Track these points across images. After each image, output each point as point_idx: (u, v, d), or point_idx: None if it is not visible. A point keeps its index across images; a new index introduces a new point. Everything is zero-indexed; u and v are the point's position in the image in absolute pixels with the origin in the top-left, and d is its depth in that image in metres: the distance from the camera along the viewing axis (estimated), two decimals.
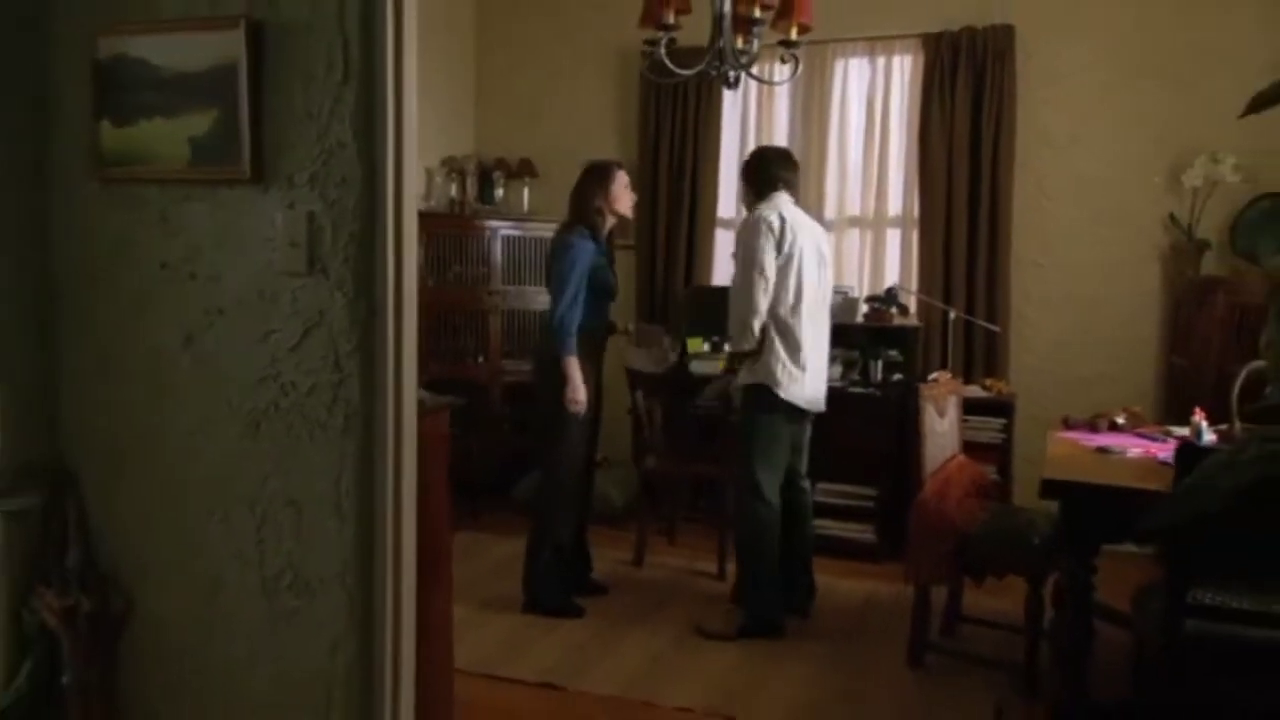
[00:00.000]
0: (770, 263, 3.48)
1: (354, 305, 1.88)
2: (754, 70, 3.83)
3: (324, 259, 1.88)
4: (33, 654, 1.98)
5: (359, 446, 1.91)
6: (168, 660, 2.06)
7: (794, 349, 3.55)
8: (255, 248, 1.94)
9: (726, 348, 3.89)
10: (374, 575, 1.92)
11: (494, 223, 5.46)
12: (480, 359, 5.31)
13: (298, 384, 1.93)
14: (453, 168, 5.56)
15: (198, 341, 2.00)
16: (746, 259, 3.51)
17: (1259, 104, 1.78)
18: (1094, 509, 2.59)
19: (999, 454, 4.58)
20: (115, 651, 2.06)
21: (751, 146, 5.26)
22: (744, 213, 3.89)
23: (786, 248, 3.50)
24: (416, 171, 1.96)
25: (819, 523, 4.23)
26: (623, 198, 3.85)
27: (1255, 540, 2.06)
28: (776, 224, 3.51)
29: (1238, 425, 2.81)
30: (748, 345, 3.55)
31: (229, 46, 1.87)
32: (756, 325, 3.52)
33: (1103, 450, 3.17)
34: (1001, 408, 4.64)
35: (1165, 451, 2.99)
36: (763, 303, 3.50)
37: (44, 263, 2.07)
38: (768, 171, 3.67)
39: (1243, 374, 2.77)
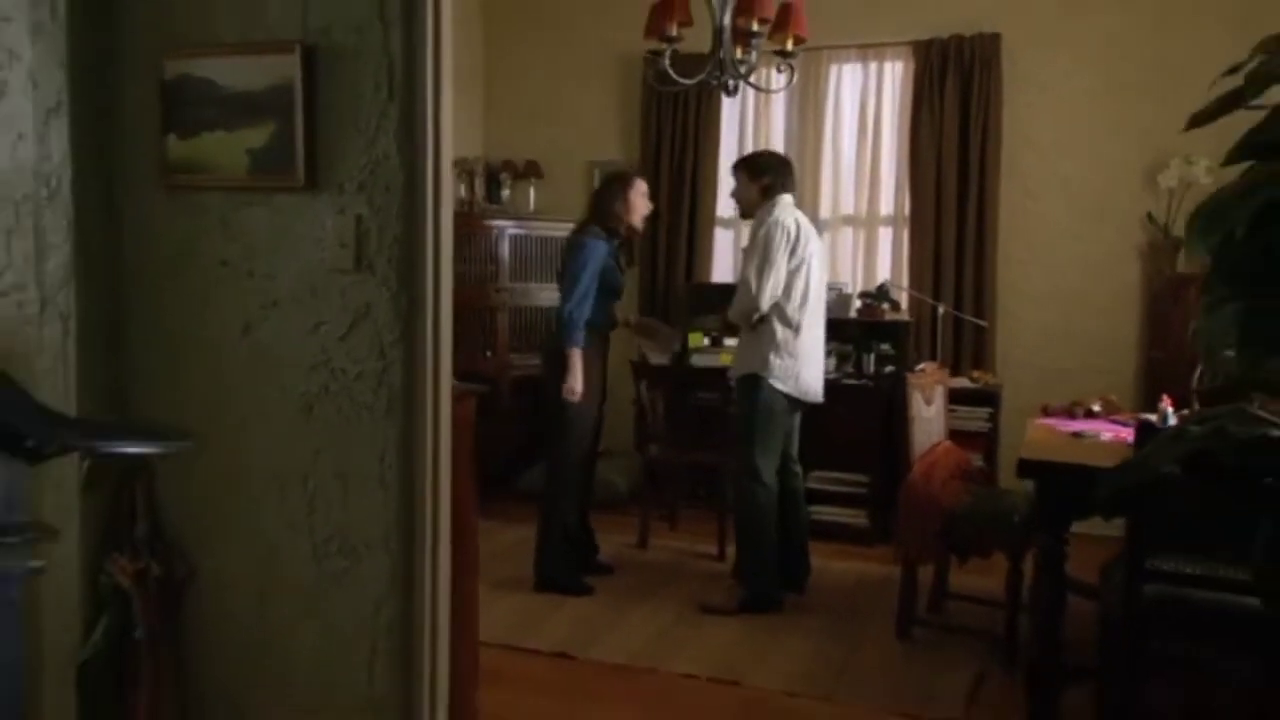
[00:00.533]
0: (782, 265, 3.72)
1: (397, 299, 2.10)
2: (752, 79, 4.06)
3: (370, 258, 2.11)
4: (108, 612, 2.20)
5: (401, 426, 2.13)
6: (227, 618, 2.29)
7: (796, 344, 3.79)
8: (307, 248, 2.16)
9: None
10: (414, 540, 2.15)
11: (501, 222, 5.68)
12: (489, 354, 5.53)
13: (346, 370, 2.16)
14: (462, 169, 5.78)
15: (255, 332, 2.22)
16: (761, 258, 3.74)
17: (1200, 120, 2.00)
18: (1065, 486, 2.82)
19: (985, 441, 4.82)
20: (180, 611, 2.29)
21: (750, 148, 5.51)
22: (737, 207, 4.14)
23: (800, 252, 3.75)
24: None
25: (814, 508, 4.47)
26: (639, 206, 4.08)
27: (1202, 511, 2.30)
28: (793, 230, 3.76)
29: (1196, 408, 3.04)
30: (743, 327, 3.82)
31: (285, 68, 2.10)
32: (755, 319, 3.76)
33: (1077, 435, 3.41)
34: (988, 398, 4.88)
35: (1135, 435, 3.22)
36: (765, 301, 3.73)
37: (115, 264, 2.29)
38: (778, 175, 3.89)
39: (1200, 365, 3.01)
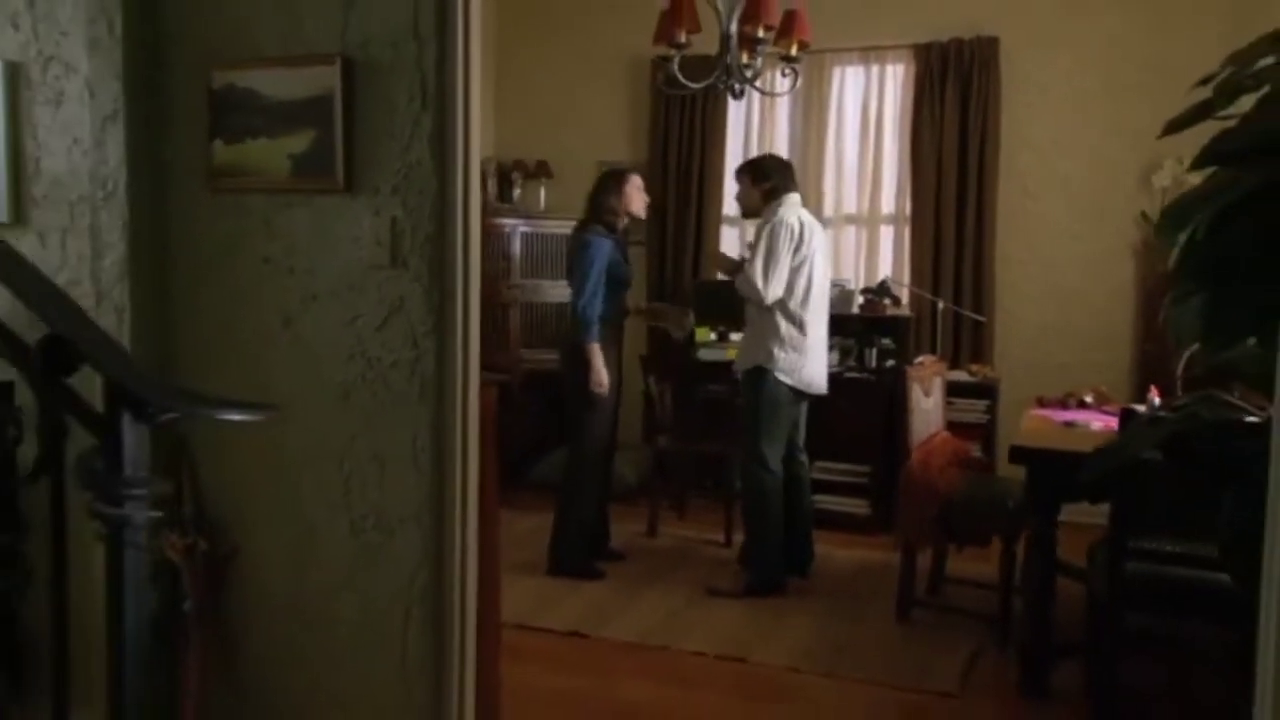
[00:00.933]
0: (785, 262, 3.88)
1: (429, 293, 2.27)
2: (757, 83, 4.22)
3: (404, 255, 2.27)
4: (160, 584, 2.38)
5: (432, 411, 2.30)
6: (269, 590, 2.46)
7: (800, 337, 3.96)
8: (345, 246, 2.33)
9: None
10: (444, 516, 2.31)
11: (512, 220, 5.84)
12: (501, 348, 5.69)
13: (381, 359, 2.32)
14: None
15: (296, 324, 2.39)
16: (767, 254, 3.89)
17: (1175, 127, 2.16)
18: (1054, 471, 2.99)
19: (984, 432, 4.97)
20: (225, 583, 2.46)
21: (755, 149, 5.68)
22: (738, 208, 4.30)
23: (804, 249, 3.91)
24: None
25: (818, 498, 4.63)
26: (635, 200, 4.24)
27: (1180, 492, 2.45)
28: (797, 228, 3.91)
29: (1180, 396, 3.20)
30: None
31: (326, 80, 2.26)
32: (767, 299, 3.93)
33: (1069, 424, 3.57)
34: (986, 391, 5.04)
35: None
36: (770, 295, 3.89)
37: (165, 261, 2.46)
38: (780, 178, 4.05)
39: (1185, 356, 3.16)
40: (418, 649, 2.34)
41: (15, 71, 2.48)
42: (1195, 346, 3.21)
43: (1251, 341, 1.88)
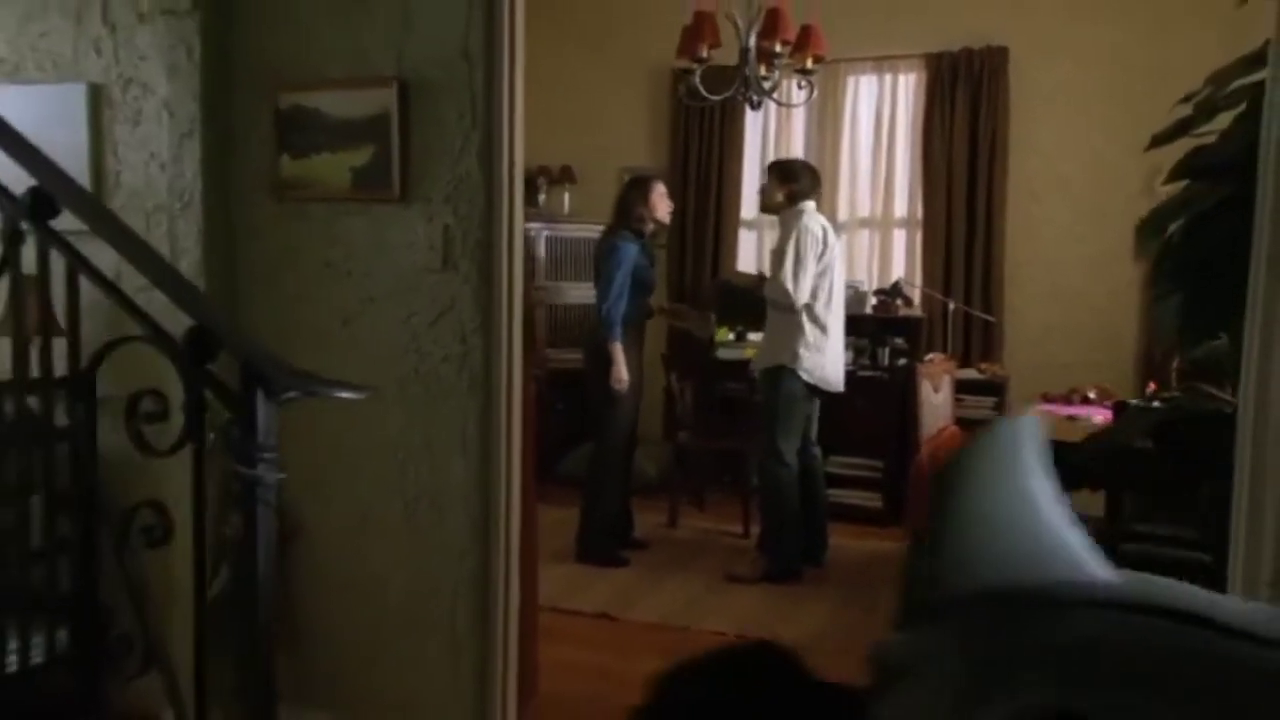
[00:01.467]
0: (811, 268, 4.09)
1: (478, 294, 2.49)
2: (775, 94, 4.43)
3: (455, 259, 2.49)
4: (229, 559, 2.60)
5: (480, 403, 2.52)
6: (329, 566, 2.68)
7: (821, 338, 4.17)
8: (400, 251, 2.55)
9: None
10: (490, 500, 2.53)
11: (537, 224, 6.05)
12: (527, 348, 5.90)
13: (433, 354, 2.54)
14: None
15: (354, 323, 2.61)
16: (795, 260, 4.10)
17: (1158, 142, 2.36)
18: (1054, 459, 3.17)
19: None
20: (289, 560, 2.68)
21: (772, 155, 5.88)
22: (760, 201, 4.50)
23: (826, 256, 4.12)
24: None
25: (832, 491, 4.83)
26: (660, 205, 4.46)
27: (1167, 478, 2.65)
28: (820, 236, 4.13)
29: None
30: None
31: (384, 100, 2.49)
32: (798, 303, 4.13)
33: (1072, 418, 3.76)
34: (995, 388, 5.23)
35: None
36: (801, 298, 4.10)
37: (235, 265, 2.69)
38: (806, 182, 4.25)
39: (1179, 353, 3.36)
40: (465, 622, 2.56)
41: (98, 93, 2.72)
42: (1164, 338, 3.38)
43: (1224, 339, 2.08)
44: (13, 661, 2.01)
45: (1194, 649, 0.67)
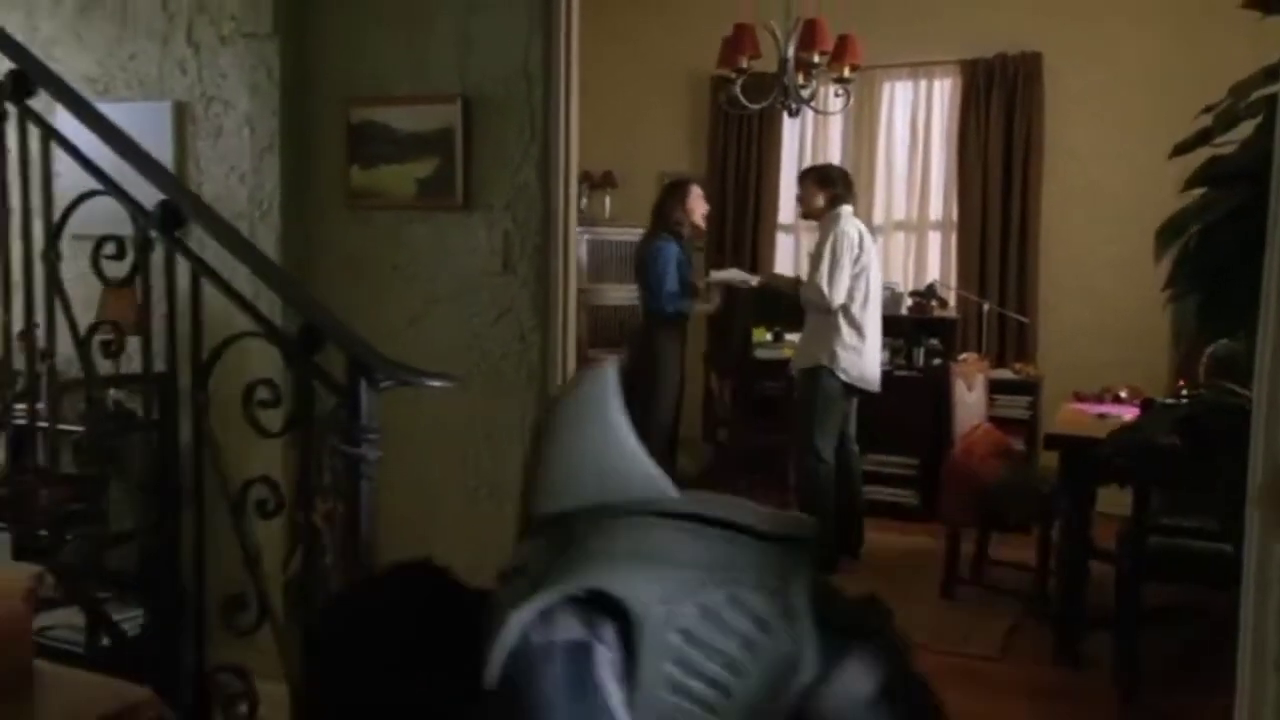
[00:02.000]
0: (848, 270, 4.24)
1: (535, 296, 2.67)
2: (813, 102, 4.58)
3: (514, 263, 2.68)
4: (305, 543, 2.80)
5: (537, 395, 2.70)
6: (396, 549, 2.85)
7: (857, 338, 4.31)
8: (463, 256, 2.74)
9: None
10: None
11: (579, 228, 6.18)
12: None
13: (493, 352, 2.73)
14: None
15: (419, 322, 2.80)
16: (831, 262, 4.25)
17: (1179, 151, 2.48)
18: (1084, 455, 3.30)
19: (1026, 427, 5.26)
20: (358, 544, 2.88)
21: (809, 160, 6.02)
22: (799, 209, 4.64)
23: (862, 259, 4.26)
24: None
25: (868, 488, 4.95)
26: (697, 208, 4.63)
27: (1194, 471, 2.76)
28: (856, 240, 4.27)
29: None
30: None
31: (448, 115, 2.68)
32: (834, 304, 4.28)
33: (1102, 416, 3.87)
34: (1029, 388, 5.33)
35: None
36: (835, 300, 4.24)
37: (309, 269, 2.89)
38: (843, 187, 4.39)
39: (1208, 351, 3.46)
40: None
41: (182, 110, 2.94)
42: (1223, 341, 3.50)
43: (1243, 338, 2.20)
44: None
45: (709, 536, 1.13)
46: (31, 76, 2.02)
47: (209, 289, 2.07)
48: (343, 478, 1.66)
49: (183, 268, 1.93)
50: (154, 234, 1.85)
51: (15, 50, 2.06)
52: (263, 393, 1.75)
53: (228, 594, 2.06)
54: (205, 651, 2.14)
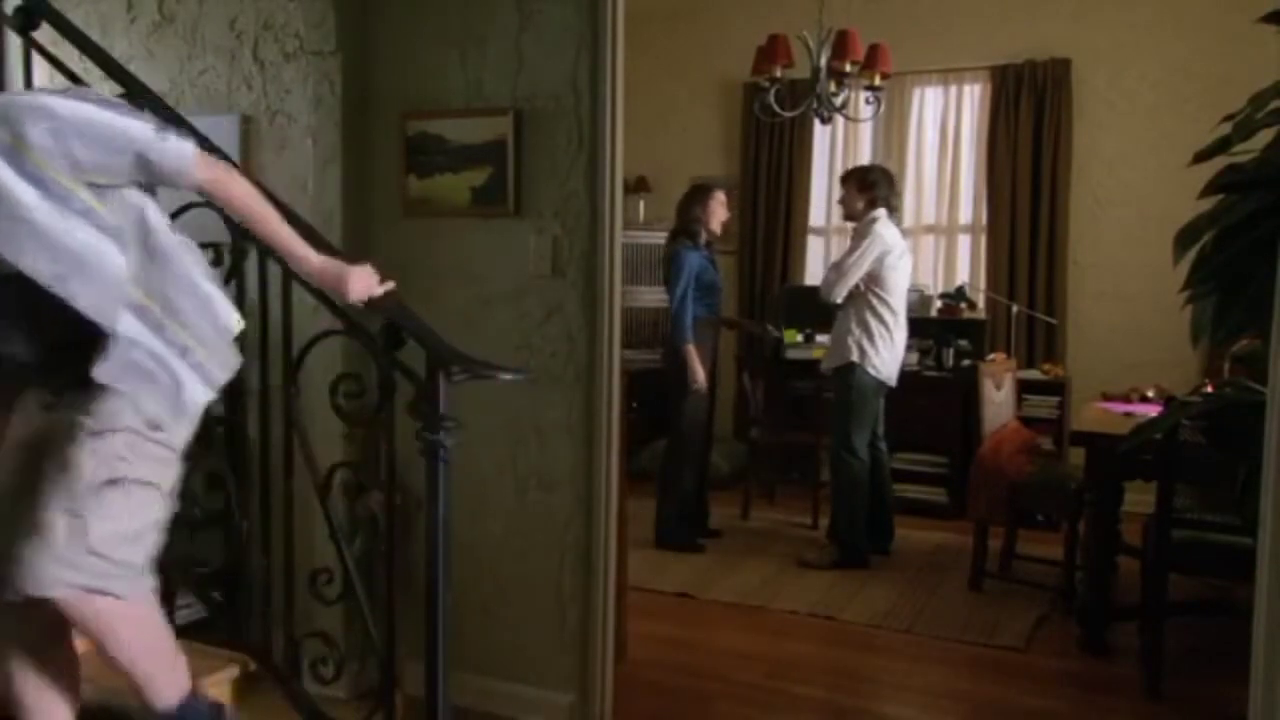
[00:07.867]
0: (865, 267, 4.38)
1: (583, 297, 2.82)
2: (844, 109, 4.71)
3: (563, 267, 2.83)
4: (363, 530, 2.97)
5: (584, 393, 2.85)
6: (450, 538, 3.03)
7: (888, 336, 4.44)
8: (514, 259, 2.89)
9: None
10: (592, 478, 2.86)
11: None
12: None
13: (542, 350, 2.88)
14: None
15: (473, 323, 2.96)
16: (858, 257, 4.39)
17: (1200, 158, 2.59)
18: (1108, 451, 3.41)
19: (1055, 427, 5.36)
20: (413, 531, 3.04)
21: (840, 165, 6.14)
22: (837, 213, 4.79)
23: (890, 260, 4.39)
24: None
25: (898, 486, 5.08)
26: (716, 215, 4.74)
27: (1215, 467, 2.87)
28: (888, 240, 4.40)
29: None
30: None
31: (500, 127, 2.84)
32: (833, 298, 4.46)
33: (1128, 414, 3.96)
34: (1057, 388, 5.42)
35: None
36: (838, 296, 4.40)
37: None
38: (884, 189, 4.52)
39: (1230, 352, 3.55)
40: (570, 585, 2.89)
41: (248, 123, 3.12)
42: (1240, 344, 3.60)
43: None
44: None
45: None
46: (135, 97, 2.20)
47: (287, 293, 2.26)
48: (425, 462, 1.81)
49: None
50: (246, 244, 2.02)
51: (122, 74, 2.25)
52: (349, 385, 1.91)
53: (314, 568, 2.22)
54: (294, 618, 2.32)
